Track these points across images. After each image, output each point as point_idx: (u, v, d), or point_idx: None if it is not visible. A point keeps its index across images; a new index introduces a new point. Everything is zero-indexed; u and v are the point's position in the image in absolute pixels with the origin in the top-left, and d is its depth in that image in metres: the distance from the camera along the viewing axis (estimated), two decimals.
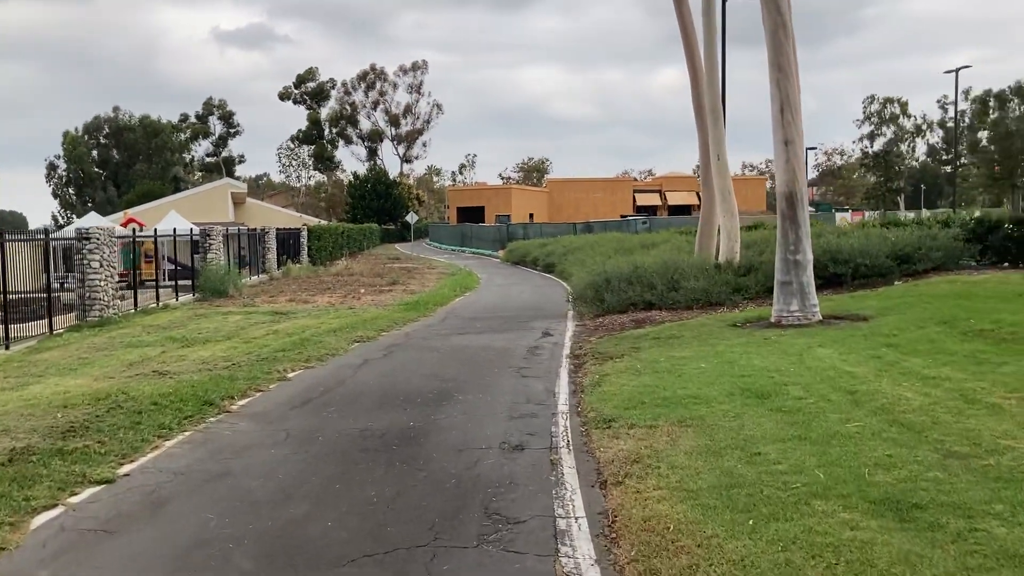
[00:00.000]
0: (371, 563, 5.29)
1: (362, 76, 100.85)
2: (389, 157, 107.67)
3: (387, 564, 5.27)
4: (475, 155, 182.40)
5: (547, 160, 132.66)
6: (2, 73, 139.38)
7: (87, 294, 19.23)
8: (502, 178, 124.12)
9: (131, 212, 44.29)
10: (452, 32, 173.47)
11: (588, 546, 5.46)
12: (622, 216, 70.91)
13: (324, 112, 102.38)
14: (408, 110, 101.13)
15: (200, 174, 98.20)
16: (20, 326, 16.87)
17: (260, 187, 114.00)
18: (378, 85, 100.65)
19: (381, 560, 5.33)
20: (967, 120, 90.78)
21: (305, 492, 6.76)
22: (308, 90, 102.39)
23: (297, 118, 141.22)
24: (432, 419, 9.12)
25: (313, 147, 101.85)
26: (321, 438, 8.45)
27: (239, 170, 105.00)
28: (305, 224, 49.53)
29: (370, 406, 9.88)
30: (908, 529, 5.09)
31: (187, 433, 8.80)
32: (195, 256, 27.86)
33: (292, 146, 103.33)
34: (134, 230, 28.66)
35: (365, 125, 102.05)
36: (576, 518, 5.97)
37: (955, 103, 64.08)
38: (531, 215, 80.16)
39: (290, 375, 12.14)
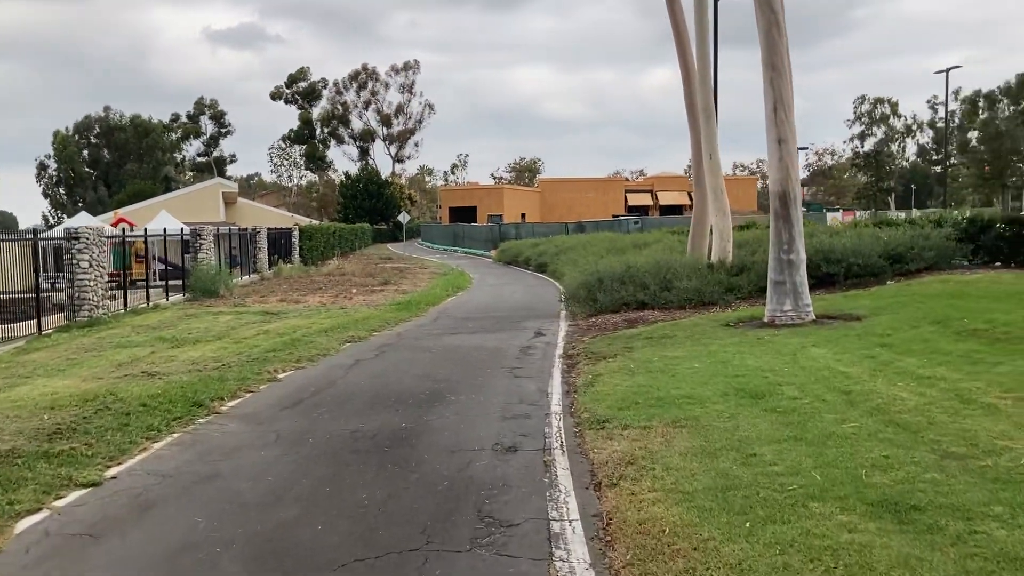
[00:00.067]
0: (362, 567, 5.20)
1: (354, 76, 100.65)
2: (381, 157, 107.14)
3: (378, 568, 5.18)
4: (467, 155, 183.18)
5: (539, 160, 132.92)
6: None
7: (76, 294, 19.07)
8: (494, 178, 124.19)
9: (122, 212, 43.95)
10: (444, 32, 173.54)
11: (583, 549, 5.37)
12: (614, 216, 71.00)
13: (316, 112, 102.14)
14: (400, 110, 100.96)
15: (191, 174, 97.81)
16: (8, 327, 16.73)
17: (251, 187, 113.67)
18: (370, 85, 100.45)
19: (372, 564, 5.23)
20: (957, 120, 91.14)
21: (295, 494, 6.66)
22: (300, 90, 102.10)
23: (289, 118, 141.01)
24: (424, 420, 9.03)
25: (305, 147, 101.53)
26: (312, 439, 8.35)
27: (230, 170, 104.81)
28: (296, 224, 49.34)
29: (361, 407, 9.78)
30: (907, 531, 5.02)
31: (176, 435, 8.69)
32: (186, 256, 27.67)
33: (283, 146, 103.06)
34: (124, 229, 28.47)
35: (357, 125, 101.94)
36: (570, 521, 5.89)
37: (946, 103, 64.44)
38: (523, 215, 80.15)
39: (281, 376, 12.03)
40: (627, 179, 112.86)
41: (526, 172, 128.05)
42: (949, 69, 57.68)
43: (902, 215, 40.22)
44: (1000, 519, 5.11)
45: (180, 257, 28.02)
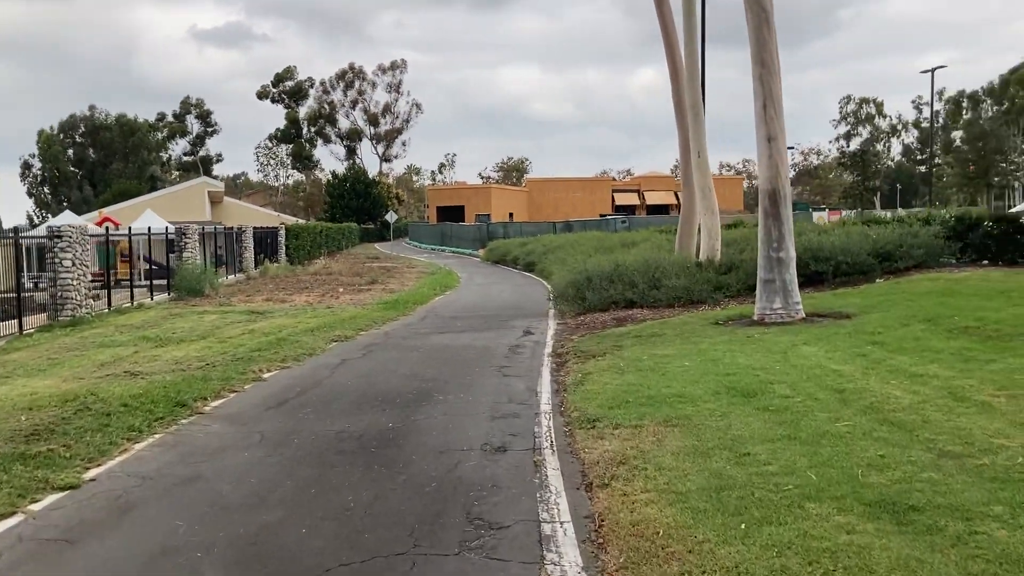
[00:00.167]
0: (348, 572, 5.04)
1: (341, 75, 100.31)
2: (368, 156, 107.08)
3: (364, 573, 5.03)
4: (455, 154, 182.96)
5: (527, 160, 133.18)
6: None
7: (59, 293, 18.80)
8: (482, 177, 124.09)
9: (107, 211, 43.58)
10: (431, 32, 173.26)
11: (574, 552, 5.23)
12: (601, 215, 71.06)
13: (302, 111, 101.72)
14: (387, 109, 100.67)
15: (177, 173, 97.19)
16: None
17: (238, 186, 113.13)
18: (357, 84, 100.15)
19: (358, 569, 5.08)
20: (941, 120, 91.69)
21: (279, 497, 6.49)
22: (286, 89, 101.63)
23: (275, 117, 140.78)
24: (412, 420, 8.87)
25: (291, 146, 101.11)
26: (297, 440, 8.18)
27: (217, 169, 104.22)
28: (283, 223, 49.06)
29: (348, 407, 9.61)
30: (906, 532, 4.91)
31: (158, 435, 8.50)
32: (171, 255, 27.41)
33: (270, 145, 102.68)
34: (107, 228, 28.13)
35: (344, 124, 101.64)
36: (561, 523, 5.75)
37: (931, 103, 64.73)
38: (511, 214, 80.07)
39: (266, 375, 11.85)
40: (614, 179, 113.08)
41: (514, 172, 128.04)
42: (934, 69, 58.10)
43: (887, 214, 40.30)
44: (1000, 519, 5.00)
45: (165, 256, 27.75)
